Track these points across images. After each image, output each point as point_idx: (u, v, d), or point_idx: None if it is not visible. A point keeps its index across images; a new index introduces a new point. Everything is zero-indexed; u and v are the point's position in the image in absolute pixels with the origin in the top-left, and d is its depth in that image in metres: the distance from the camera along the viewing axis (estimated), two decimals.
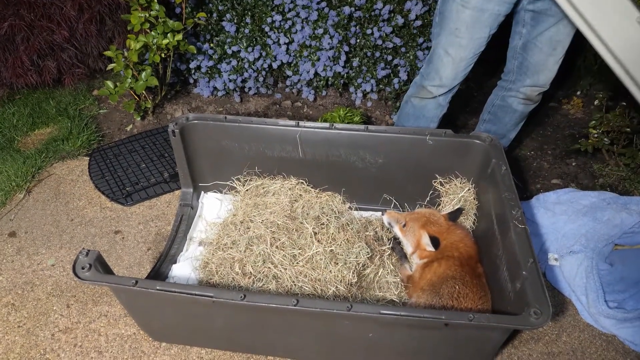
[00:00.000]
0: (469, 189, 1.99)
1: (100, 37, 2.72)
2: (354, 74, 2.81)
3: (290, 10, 2.65)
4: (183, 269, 1.91)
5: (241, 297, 1.35)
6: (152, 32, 2.41)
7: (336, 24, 2.62)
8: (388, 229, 1.99)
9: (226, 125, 2.00)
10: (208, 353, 1.72)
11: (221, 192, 2.21)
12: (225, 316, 1.55)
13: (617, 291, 1.82)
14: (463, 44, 1.86)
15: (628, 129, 2.26)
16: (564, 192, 2.16)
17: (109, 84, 2.50)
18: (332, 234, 1.81)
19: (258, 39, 2.76)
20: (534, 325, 1.29)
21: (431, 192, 2.07)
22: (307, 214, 1.91)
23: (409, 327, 1.43)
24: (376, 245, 1.89)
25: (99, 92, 2.62)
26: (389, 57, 2.75)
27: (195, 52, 2.59)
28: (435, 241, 1.76)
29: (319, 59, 2.69)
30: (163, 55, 2.51)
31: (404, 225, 1.87)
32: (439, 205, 2.04)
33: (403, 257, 1.91)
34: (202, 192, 2.23)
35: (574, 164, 2.55)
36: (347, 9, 2.58)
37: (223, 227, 1.97)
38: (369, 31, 2.65)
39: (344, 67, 2.73)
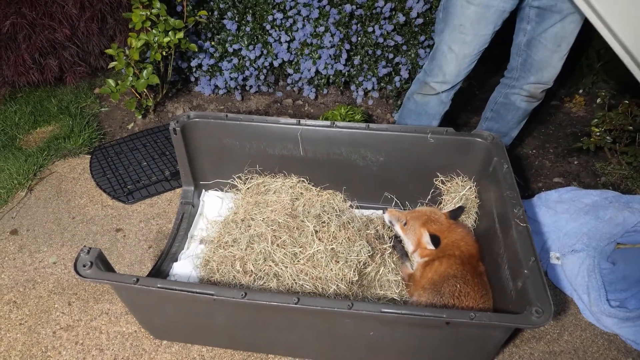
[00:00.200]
0: (470, 188, 1.98)
1: (101, 35, 2.72)
2: (355, 72, 2.80)
3: (291, 8, 2.65)
4: (184, 267, 1.91)
5: (242, 295, 1.35)
6: (154, 30, 2.41)
7: (337, 22, 2.61)
8: (389, 228, 1.99)
9: (227, 124, 2.00)
10: (209, 351, 1.72)
11: (222, 190, 2.22)
12: (226, 314, 1.55)
13: (619, 290, 1.81)
14: (467, 40, 1.85)
15: (630, 127, 2.25)
16: (565, 191, 2.15)
17: (111, 82, 2.50)
18: (333, 232, 1.81)
19: (259, 37, 2.75)
20: (535, 324, 1.28)
21: (432, 190, 2.06)
22: (308, 212, 1.91)
23: (410, 325, 1.43)
24: (377, 243, 1.89)
25: (100, 90, 2.62)
26: (390, 55, 2.74)
27: (197, 50, 2.58)
28: (435, 239, 1.75)
29: (320, 57, 2.68)
30: (164, 53, 2.51)
31: (405, 224, 1.87)
32: (440, 203, 2.04)
33: (404, 255, 1.90)
34: (203, 190, 2.23)
35: (576, 162, 2.54)
36: (348, 7, 2.57)
37: (224, 225, 1.97)
38: (370, 29, 2.65)
39: (345, 65, 2.73)
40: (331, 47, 2.64)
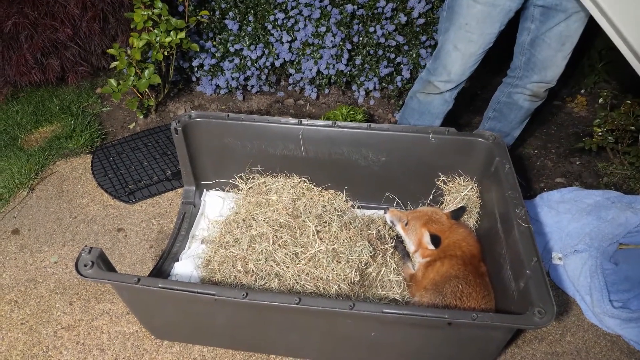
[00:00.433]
0: (472, 188, 1.98)
1: (103, 35, 2.72)
2: (356, 72, 2.80)
3: (293, 8, 2.64)
4: (185, 267, 1.91)
5: (243, 295, 1.35)
6: (155, 30, 2.41)
7: (339, 22, 2.61)
8: (391, 228, 1.98)
9: (229, 123, 2.00)
10: (210, 351, 1.72)
11: (223, 190, 2.21)
12: (227, 314, 1.54)
13: (622, 291, 1.80)
14: (473, 39, 1.85)
15: (633, 127, 2.24)
16: (568, 191, 2.14)
17: (112, 82, 2.50)
18: (335, 232, 1.80)
19: (261, 37, 2.75)
20: (537, 325, 1.28)
21: (434, 190, 2.06)
22: (309, 212, 1.91)
23: (411, 326, 1.42)
24: (379, 243, 1.89)
25: (102, 90, 2.62)
26: (392, 55, 2.74)
27: (198, 50, 2.58)
28: (436, 239, 1.75)
29: (321, 57, 2.68)
30: (166, 53, 2.51)
31: (406, 224, 1.86)
32: (442, 203, 2.03)
33: (406, 255, 1.90)
34: (205, 190, 2.23)
35: (578, 162, 2.54)
36: (349, 7, 2.57)
37: (225, 225, 1.97)
38: (371, 29, 2.65)
39: (346, 65, 2.73)
40: (333, 47, 2.64)
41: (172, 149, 2.58)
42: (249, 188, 2.09)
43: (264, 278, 1.69)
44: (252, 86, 2.91)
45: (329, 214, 1.89)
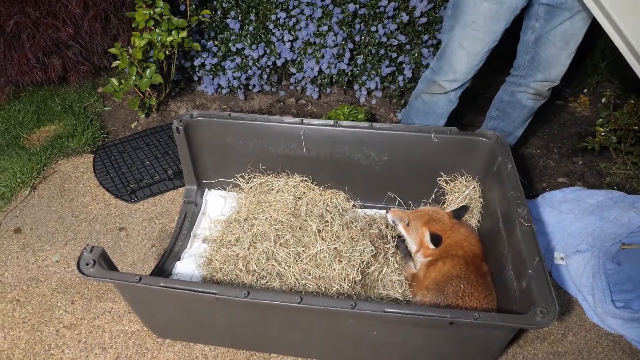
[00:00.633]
0: (474, 187, 1.97)
1: (105, 34, 2.73)
2: (358, 72, 2.80)
3: (294, 7, 2.64)
4: (187, 266, 1.91)
5: (245, 294, 1.34)
6: (157, 30, 2.41)
7: (340, 21, 2.61)
8: (392, 227, 1.98)
9: (230, 123, 2.00)
10: (212, 350, 1.72)
11: (225, 189, 2.21)
12: (228, 313, 1.54)
13: (624, 291, 1.80)
14: (479, 37, 1.84)
15: (636, 127, 2.23)
16: (570, 191, 2.14)
17: (114, 81, 2.50)
18: (336, 231, 1.80)
19: (262, 36, 2.75)
20: (539, 325, 1.27)
21: (436, 190, 2.05)
22: (311, 211, 1.91)
23: (413, 325, 1.42)
24: (380, 243, 1.88)
25: (103, 89, 2.62)
26: (394, 55, 2.74)
27: (200, 49, 2.58)
28: (436, 239, 1.74)
29: (323, 57, 2.68)
30: (167, 52, 2.51)
31: (408, 224, 1.86)
32: (444, 203, 2.03)
33: (407, 255, 1.90)
34: (206, 190, 2.23)
35: (580, 162, 2.53)
36: (351, 6, 2.57)
37: (227, 224, 1.97)
38: (373, 28, 2.64)
39: (348, 64, 2.72)
40: (334, 46, 2.64)
41: (173, 148, 2.58)
42: (251, 187, 2.09)
43: (266, 277, 1.69)
44: (254, 85, 2.91)
45: (331, 213, 1.89)
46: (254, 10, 2.73)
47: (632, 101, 2.24)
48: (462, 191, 1.97)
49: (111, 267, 1.50)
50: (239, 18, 2.73)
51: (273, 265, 1.70)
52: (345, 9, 2.59)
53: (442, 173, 2.02)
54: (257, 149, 2.06)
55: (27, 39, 2.55)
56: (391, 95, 2.93)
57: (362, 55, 2.73)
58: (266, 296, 1.36)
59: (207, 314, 1.56)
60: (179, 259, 1.96)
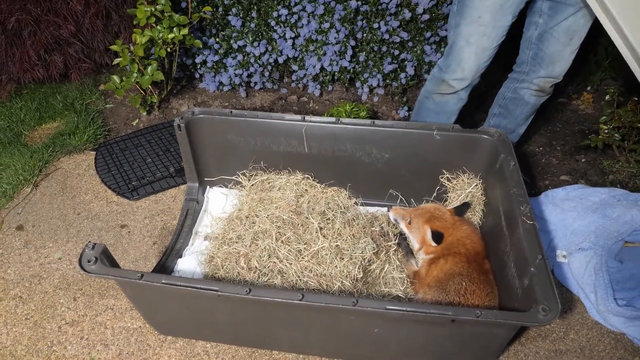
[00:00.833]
0: (476, 185, 1.97)
1: (106, 31, 2.72)
2: (360, 69, 2.79)
3: (296, 4, 2.63)
4: (189, 263, 1.91)
5: (246, 291, 1.34)
6: (158, 27, 2.41)
7: (343, 18, 2.60)
8: (394, 225, 1.98)
9: (232, 120, 2.00)
10: (213, 347, 1.72)
11: (227, 186, 2.21)
12: (230, 310, 1.54)
13: (627, 289, 1.79)
14: (487, 32, 1.82)
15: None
16: (573, 189, 2.13)
17: (115, 78, 2.50)
18: (338, 229, 1.80)
19: (264, 33, 2.74)
20: (541, 322, 1.27)
21: (438, 187, 2.05)
22: (312, 209, 1.91)
23: (415, 323, 1.42)
24: (382, 240, 1.88)
25: (105, 86, 2.62)
26: (396, 52, 2.73)
27: (201, 46, 2.58)
28: (438, 236, 1.74)
29: (325, 54, 2.67)
30: (169, 49, 2.51)
31: (410, 222, 1.86)
32: (446, 201, 2.02)
33: (409, 253, 1.89)
34: (208, 187, 2.23)
35: (583, 160, 2.52)
36: (353, 3, 2.56)
37: (228, 221, 1.97)
38: (375, 25, 2.63)
39: (350, 61, 2.71)
40: (336, 43, 2.63)
41: (175, 145, 2.58)
42: (252, 185, 2.09)
43: (267, 274, 1.69)
44: (255, 83, 2.91)
45: (332, 210, 1.89)
46: (255, 7, 2.72)
47: (636, 99, 2.23)
48: (465, 189, 1.97)
49: (113, 264, 1.50)
50: (241, 15, 2.72)
51: (274, 262, 1.70)
52: (347, 5, 2.58)
53: (444, 170, 2.01)
54: (259, 146, 2.06)
55: (29, 36, 2.55)
56: (393, 92, 2.92)
57: (364, 53, 2.72)
58: (268, 293, 1.36)
59: (208, 311, 1.57)
60: (180, 256, 1.97)
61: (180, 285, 1.38)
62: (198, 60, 2.80)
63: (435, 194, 2.06)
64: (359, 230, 1.81)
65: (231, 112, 2.00)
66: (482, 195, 1.96)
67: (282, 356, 1.70)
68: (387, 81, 2.83)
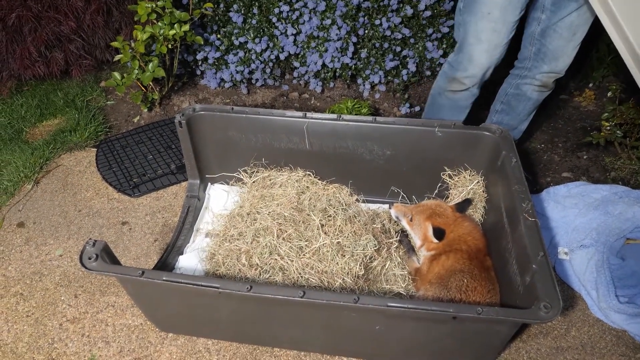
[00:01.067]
0: (478, 182, 1.96)
1: (107, 28, 2.72)
2: (362, 66, 2.78)
3: (297, 0, 2.62)
4: (190, 260, 1.91)
5: (247, 288, 1.34)
6: (159, 23, 2.40)
7: (344, 15, 2.59)
8: (396, 222, 1.97)
9: (233, 117, 1.99)
10: (214, 344, 1.72)
11: (228, 183, 2.21)
12: (231, 307, 1.54)
13: (629, 286, 1.79)
14: (497, 28, 1.80)
15: None
16: (574, 186, 2.13)
17: (116, 75, 2.49)
18: (339, 226, 1.80)
19: (265, 29, 2.73)
20: (543, 320, 1.27)
21: (439, 184, 2.04)
22: (314, 206, 1.90)
23: (416, 320, 1.42)
24: (383, 237, 1.88)
25: (106, 83, 2.62)
26: (398, 48, 2.72)
27: (202, 43, 2.57)
28: (440, 232, 1.74)
29: (326, 50, 2.66)
30: (170, 46, 2.50)
31: (411, 219, 1.85)
32: (448, 197, 2.02)
33: (410, 249, 1.89)
34: (209, 184, 2.23)
35: (585, 157, 2.51)
36: None
37: (230, 218, 1.97)
38: (377, 22, 2.62)
39: (351, 58, 2.70)
40: (338, 40, 2.62)
41: (176, 142, 2.58)
42: (254, 182, 2.08)
43: (268, 271, 1.69)
44: (257, 79, 2.90)
45: (334, 207, 1.88)
46: (257, 4, 2.71)
47: (639, 95, 2.22)
48: (466, 186, 1.96)
49: (114, 261, 1.50)
50: (242, 11, 2.71)
51: (276, 259, 1.70)
52: (349, 2, 2.57)
53: (445, 167, 2.01)
54: (260, 143, 2.05)
55: (29, 33, 2.55)
56: (395, 89, 2.91)
57: (365, 49, 2.72)
58: (269, 290, 1.36)
59: (210, 308, 1.56)
60: (181, 253, 1.97)
61: (182, 283, 1.38)
62: (199, 56, 2.79)
63: (436, 191, 2.06)
64: (360, 227, 1.81)
65: (232, 108, 1.99)
66: (483, 192, 1.95)
67: (283, 353, 1.70)
68: (389, 78, 2.82)
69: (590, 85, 2.97)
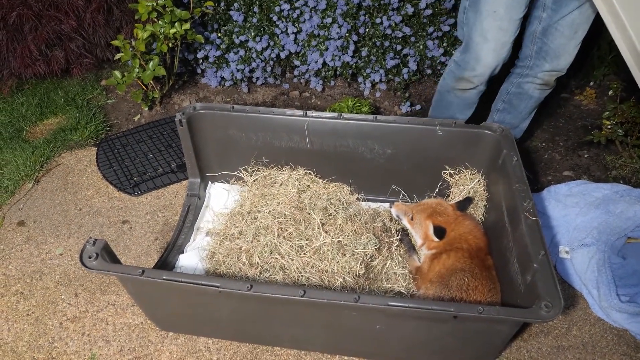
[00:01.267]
0: (479, 180, 1.96)
1: (107, 26, 2.72)
2: (362, 64, 2.78)
3: None
4: (190, 259, 1.91)
5: (248, 287, 1.34)
6: (160, 22, 2.40)
7: (345, 13, 2.58)
8: (396, 220, 1.97)
9: (233, 115, 1.99)
10: (215, 343, 1.72)
11: (228, 182, 2.21)
12: (232, 306, 1.54)
13: (630, 285, 1.79)
14: (504, 27, 1.79)
15: None
16: (575, 184, 2.12)
17: (117, 73, 2.49)
18: (340, 225, 1.79)
19: (266, 28, 2.73)
20: (544, 319, 1.26)
21: (440, 183, 2.04)
22: (314, 204, 1.90)
23: (417, 319, 1.41)
24: (384, 236, 1.88)
25: (106, 82, 2.62)
26: (399, 47, 2.71)
27: (203, 41, 2.57)
28: (440, 231, 1.73)
29: (327, 49, 2.66)
30: (170, 44, 2.50)
31: (412, 218, 1.85)
32: (449, 196, 2.02)
33: (411, 248, 1.89)
34: (210, 183, 2.22)
35: (586, 155, 2.51)
36: None
37: (230, 217, 1.97)
38: (378, 20, 2.62)
39: (352, 57, 2.70)
40: (338, 38, 2.62)
41: (177, 141, 2.58)
42: (254, 180, 2.08)
43: (269, 270, 1.68)
44: (257, 78, 2.89)
45: (334, 206, 1.88)
46: (257, 2, 2.71)
47: None
48: (467, 184, 1.96)
49: (114, 260, 1.50)
50: (243, 10, 2.71)
51: (276, 258, 1.70)
52: (349, 0, 2.57)
53: (446, 166, 2.00)
54: (261, 141, 2.05)
55: (30, 31, 2.55)
56: (395, 87, 2.91)
57: (366, 48, 2.71)
58: (269, 289, 1.36)
59: (210, 307, 1.56)
60: (182, 252, 1.96)
61: (182, 282, 1.38)
62: (200, 55, 2.79)
63: (437, 190, 2.06)
64: (361, 226, 1.81)
65: (233, 107, 1.99)
66: (484, 190, 1.95)
67: (283, 352, 1.70)
68: (390, 76, 2.82)
69: (591, 83, 2.97)
